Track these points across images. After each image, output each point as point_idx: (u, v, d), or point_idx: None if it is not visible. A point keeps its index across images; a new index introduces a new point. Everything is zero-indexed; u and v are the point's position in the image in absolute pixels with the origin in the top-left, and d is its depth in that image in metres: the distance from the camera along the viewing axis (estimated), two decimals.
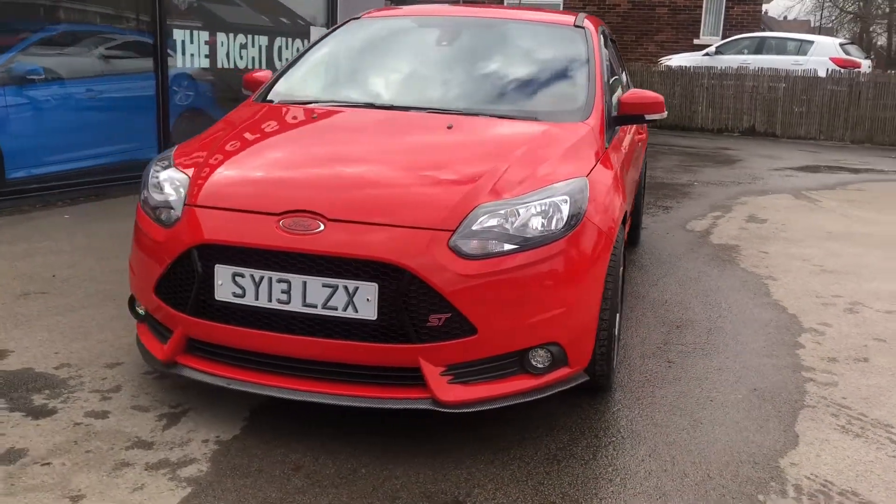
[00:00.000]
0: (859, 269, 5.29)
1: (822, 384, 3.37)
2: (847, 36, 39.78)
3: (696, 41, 20.53)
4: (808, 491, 2.53)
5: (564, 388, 2.77)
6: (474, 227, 2.59)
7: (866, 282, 5.00)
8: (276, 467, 2.55)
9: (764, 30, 23.39)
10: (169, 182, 2.94)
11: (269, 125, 3.38)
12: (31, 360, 3.27)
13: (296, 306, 2.56)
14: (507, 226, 2.62)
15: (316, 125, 3.28)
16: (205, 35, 7.73)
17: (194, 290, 2.66)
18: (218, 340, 2.71)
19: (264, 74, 4.07)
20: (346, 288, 2.51)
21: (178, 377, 2.90)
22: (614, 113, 3.65)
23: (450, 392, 2.58)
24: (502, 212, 2.65)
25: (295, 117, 3.42)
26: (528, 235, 2.63)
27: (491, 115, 3.37)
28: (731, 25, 20.73)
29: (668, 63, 18.04)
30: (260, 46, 8.44)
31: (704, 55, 17.73)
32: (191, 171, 2.92)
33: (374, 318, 2.51)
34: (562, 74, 3.76)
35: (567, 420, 2.94)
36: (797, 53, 16.81)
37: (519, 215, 2.65)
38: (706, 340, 3.83)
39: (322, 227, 2.57)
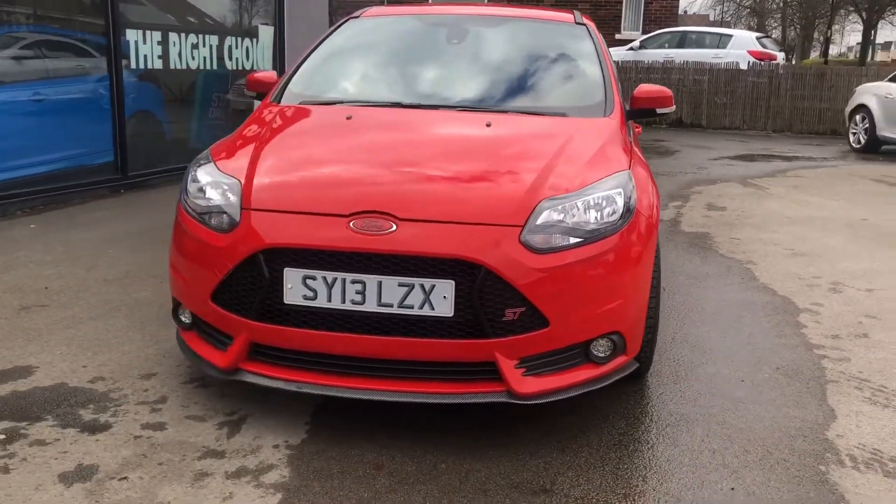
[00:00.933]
0: (827, 252, 5.59)
1: (836, 360, 3.57)
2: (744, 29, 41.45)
3: (617, 36, 21.09)
4: (862, 460, 2.69)
5: (621, 375, 2.85)
6: (539, 222, 2.65)
7: (838, 262, 5.29)
8: (357, 468, 2.55)
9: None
10: (215, 186, 2.89)
11: (303, 126, 3.35)
12: (61, 375, 3.15)
13: (370, 306, 2.56)
14: (569, 220, 2.69)
15: (352, 125, 3.27)
16: (157, 35, 7.52)
17: (261, 294, 2.63)
18: (286, 344, 2.68)
19: (268, 75, 4.02)
20: (422, 286, 2.53)
21: (233, 384, 2.87)
22: (627, 107, 3.76)
23: (524, 384, 2.63)
24: (563, 206, 2.71)
25: (328, 118, 3.40)
26: (590, 228, 2.70)
27: (521, 112, 3.43)
28: (651, 20, 21.40)
29: None
30: (211, 46, 8.27)
31: (629, 50, 18.24)
32: (241, 175, 2.87)
33: (451, 314, 2.54)
34: (576, 71, 3.85)
35: (619, 408, 3.03)
36: (717, 47, 17.45)
37: (578, 209, 2.72)
38: (716, 325, 4.00)
39: (394, 226, 2.58)
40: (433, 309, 2.54)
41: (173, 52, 7.74)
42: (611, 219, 2.75)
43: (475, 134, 3.20)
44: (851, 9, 35.96)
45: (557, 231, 2.66)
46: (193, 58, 8.03)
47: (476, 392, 2.63)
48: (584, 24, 4.17)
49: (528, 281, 2.55)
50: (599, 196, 2.78)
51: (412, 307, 2.55)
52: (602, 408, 3.01)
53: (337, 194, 2.73)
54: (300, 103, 3.58)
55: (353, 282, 2.56)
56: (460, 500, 2.38)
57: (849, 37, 56.90)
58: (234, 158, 3.03)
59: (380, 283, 2.55)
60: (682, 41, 18.27)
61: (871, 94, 11.90)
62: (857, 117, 12.22)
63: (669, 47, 17.98)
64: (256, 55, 9.07)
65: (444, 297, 2.53)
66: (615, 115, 3.47)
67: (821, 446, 2.78)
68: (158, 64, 7.59)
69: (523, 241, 2.59)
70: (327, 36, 4.15)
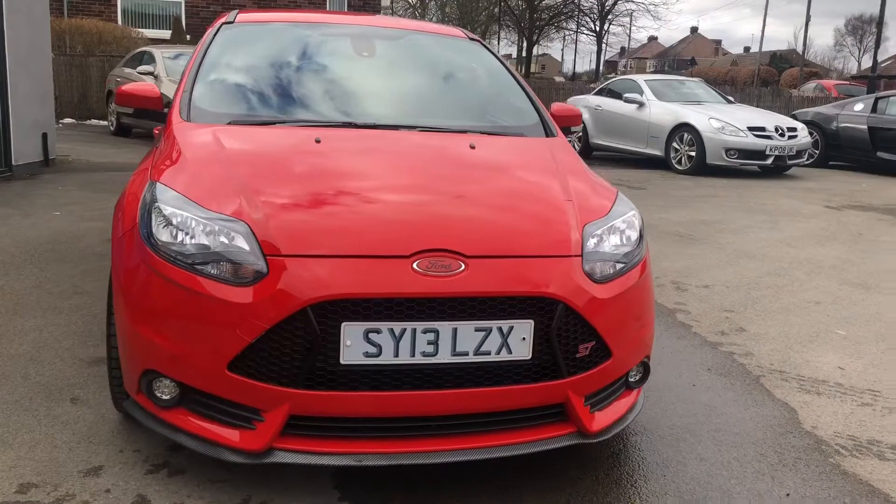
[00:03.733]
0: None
1: (742, 355, 3.91)
2: None
3: None
4: (852, 448, 2.96)
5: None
6: (588, 250, 2.54)
7: (671, 262, 5.81)
8: None
9: None
10: (205, 228, 2.35)
11: (278, 152, 2.82)
12: None
13: (444, 357, 2.26)
14: (606, 246, 2.61)
15: (331, 149, 2.85)
16: None
17: (309, 356, 2.19)
18: (339, 412, 2.26)
19: (147, 88, 3.39)
20: (499, 329, 2.29)
21: (211, 465, 2.36)
22: None
23: (593, 421, 2.51)
24: (600, 232, 2.63)
25: (294, 141, 2.92)
26: (624, 252, 2.65)
27: (484, 133, 3.26)
28: None
29: None
30: None
31: None
32: (240, 214, 2.36)
33: (528, 356, 2.34)
34: (501, 89, 3.75)
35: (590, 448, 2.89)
36: None
37: (609, 234, 2.66)
38: None
39: (463, 266, 2.31)
40: (510, 353, 2.32)
41: None
42: (634, 242, 2.73)
43: (476, 158, 2.98)
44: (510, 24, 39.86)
45: (605, 258, 2.57)
46: None
47: (548, 438, 2.45)
48: (477, 41, 4.10)
49: (596, 313, 2.44)
50: (622, 220, 2.74)
51: (489, 353, 2.30)
52: (574, 453, 2.89)
53: (390, 233, 2.36)
54: (230, 123, 3.05)
55: (426, 331, 2.24)
56: None
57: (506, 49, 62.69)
58: (212, 193, 2.48)
59: (454, 330, 2.26)
60: None
61: (582, 106, 13.25)
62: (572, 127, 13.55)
63: None
64: None
65: (523, 338, 2.32)
66: (561, 135, 3.46)
67: (811, 440, 3.02)
68: None
69: (586, 271, 2.47)
70: (208, 43, 3.58)
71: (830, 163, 13.27)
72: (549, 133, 3.46)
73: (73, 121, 16.35)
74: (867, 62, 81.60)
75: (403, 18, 4.37)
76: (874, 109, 12.65)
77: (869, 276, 5.67)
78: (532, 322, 2.32)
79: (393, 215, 2.48)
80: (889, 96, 12.80)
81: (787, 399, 3.39)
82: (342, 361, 2.21)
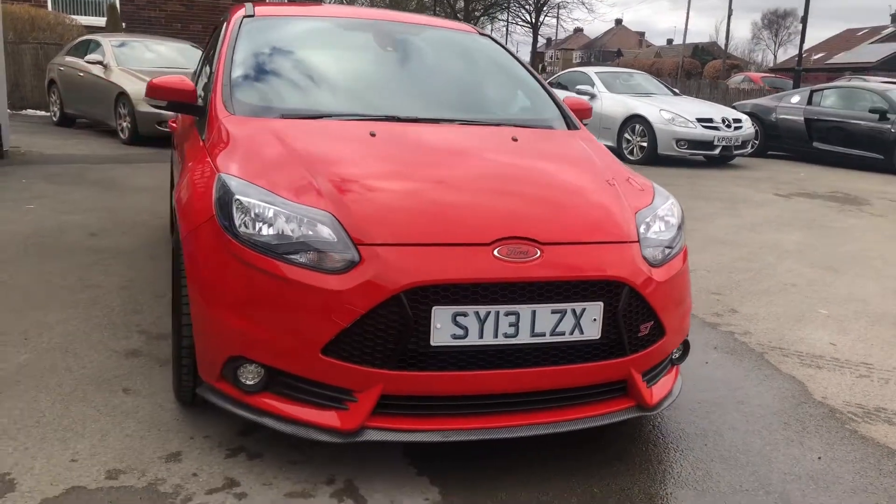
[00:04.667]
0: None
1: (742, 334, 4.17)
2: None
3: None
4: (861, 413, 3.24)
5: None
6: (643, 236, 2.72)
7: None
8: None
9: None
10: (290, 218, 2.43)
11: (339, 144, 2.90)
12: (62, 478, 2.40)
13: (523, 338, 2.41)
14: (656, 232, 2.80)
15: (388, 141, 2.95)
16: None
17: (402, 338, 2.31)
18: (427, 391, 2.39)
19: (179, 81, 3.42)
20: (573, 311, 2.46)
21: (286, 444, 2.47)
22: None
23: (651, 395, 2.70)
24: (649, 219, 2.82)
25: (352, 134, 3.01)
26: (670, 238, 2.83)
27: (518, 125, 3.41)
28: None
29: None
30: None
31: None
32: (322, 204, 2.46)
33: (598, 336, 2.51)
34: (523, 83, 3.90)
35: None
36: None
37: (658, 221, 2.85)
38: None
39: (539, 252, 2.46)
40: (582, 333, 2.48)
41: None
42: (677, 229, 2.91)
43: (523, 149, 3.12)
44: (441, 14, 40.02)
45: (654, 244, 2.75)
46: None
47: (613, 411, 2.63)
48: (489, 37, 4.24)
49: (654, 294, 2.62)
50: (665, 209, 2.93)
51: (563, 334, 2.46)
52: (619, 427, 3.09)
53: (470, 221, 2.50)
54: (281, 116, 3.11)
55: (507, 313, 2.39)
56: None
57: None
58: (289, 184, 2.57)
59: (534, 313, 2.41)
60: None
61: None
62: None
63: None
64: None
65: (594, 319, 2.49)
66: (584, 128, 3.63)
67: (825, 409, 3.28)
68: None
69: (644, 255, 2.65)
70: (235, 37, 3.62)
71: (769, 152, 13.87)
72: (570, 126, 3.63)
73: (10, 111, 15.77)
74: (782, 55, 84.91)
75: (409, 13, 4.47)
76: (809, 102, 13.29)
77: (832, 259, 6.04)
78: (602, 304, 2.49)
79: (469, 204, 2.61)
80: (823, 89, 13.46)
81: (793, 373, 3.66)
82: (432, 343, 2.34)
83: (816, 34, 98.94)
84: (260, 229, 2.45)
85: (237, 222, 2.47)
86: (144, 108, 10.39)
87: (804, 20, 23.03)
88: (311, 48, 3.70)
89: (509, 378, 2.44)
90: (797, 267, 5.73)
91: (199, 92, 3.56)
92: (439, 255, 2.39)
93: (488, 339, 2.38)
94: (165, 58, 12.23)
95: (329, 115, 3.19)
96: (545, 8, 38.51)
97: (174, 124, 4.97)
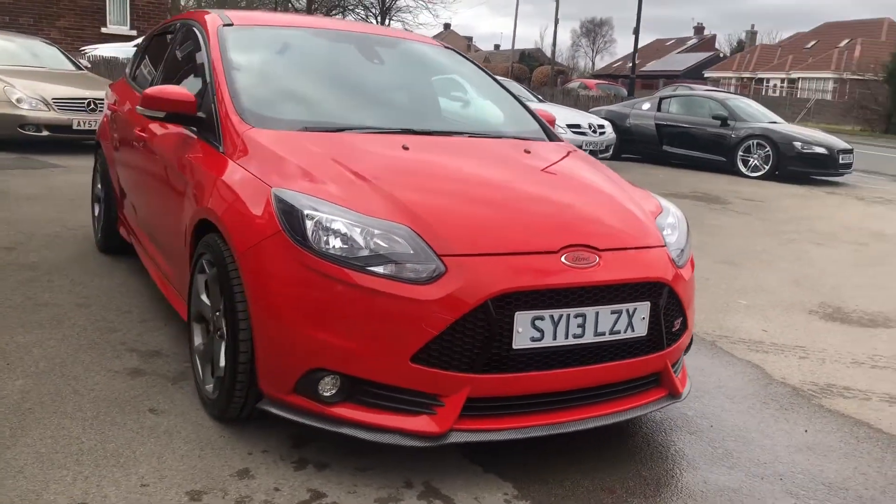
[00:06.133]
0: None
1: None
2: None
3: (104, 30, 19.80)
4: (818, 390, 3.69)
5: None
6: (665, 240, 3.00)
7: None
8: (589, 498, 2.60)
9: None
10: (370, 234, 2.50)
11: (379, 158, 2.96)
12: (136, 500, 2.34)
13: (588, 337, 2.62)
14: (672, 236, 3.08)
15: (423, 154, 3.04)
16: None
17: (488, 343, 2.45)
18: (508, 391, 2.54)
19: (179, 92, 3.34)
20: (627, 311, 2.69)
21: (354, 447, 2.55)
22: None
23: (679, 385, 2.98)
24: (665, 223, 3.10)
25: (387, 148, 3.07)
26: (683, 241, 3.12)
27: (519, 138, 3.59)
28: (139, 16, 20.53)
29: (96, 53, 17.20)
30: None
31: (134, 46, 17.32)
32: (393, 216, 2.56)
33: (644, 333, 2.75)
34: (502, 95, 4.08)
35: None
36: None
37: (670, 226, 3.13)
38: None
39: (598, 258, 2.67)
40: (633, 330, 2.72)
41: None
42: (685, 232, 3.21)
43: (541, 161, 3.31)
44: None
45: (674, 247, 3.04)
46: None
47: (651, 401, 2.89)
48: (453, 49, 4.40)
49: (683, 293, 2.91)
50: (673, 215, 3.23)
51: (619, 332, 2.69)
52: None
53: (538, 230, 2.67)
54: (304, 129, 3.12)
55: (577, 315, 2.59)
56: None
57: None
58: (354, 198, 2.63)
59: (597, 314, 2.63)
60: None
61: None
62: None
63: None
64: None
65: (643, 317, 2.73)
66: (564, 140, 3.88)
67: (788, 388, 3.71)
68: None
69: (671, 258, 2.93)
70: (224, 46, 3.56)
71: (623, 155, 14.85)
72: (551, 138, 3.86)
73: None
74: (600, 62, 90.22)
75: (371, 24, 4.55)
76: (659, 108, 14.38)
77: (727, 254, 6.68)
78: (649, 303, 2.74)
79: (533, 214, 2.79)
80: (671, 97, 14.62)
81: (748, 358, 4.09)
82: (514, 346, 2.49)
83: (627, 43, 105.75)
84: (334, 243, 2.50)
85: (311, 237, 2.51)
86: (3, 108, 9.63)
87: (636, 31, 24.79)
88: (306, 59, 3.71)
89: (577, 375, 2.64)
90: (702, 262, 6.27)
91: None
92: (517, 264, 2.55)
93: (560, 341, 2.57)
94: (14, 56, 11.34)
95: (349, 129, 3.24)
96: (391, 11, 38.88)
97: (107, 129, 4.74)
